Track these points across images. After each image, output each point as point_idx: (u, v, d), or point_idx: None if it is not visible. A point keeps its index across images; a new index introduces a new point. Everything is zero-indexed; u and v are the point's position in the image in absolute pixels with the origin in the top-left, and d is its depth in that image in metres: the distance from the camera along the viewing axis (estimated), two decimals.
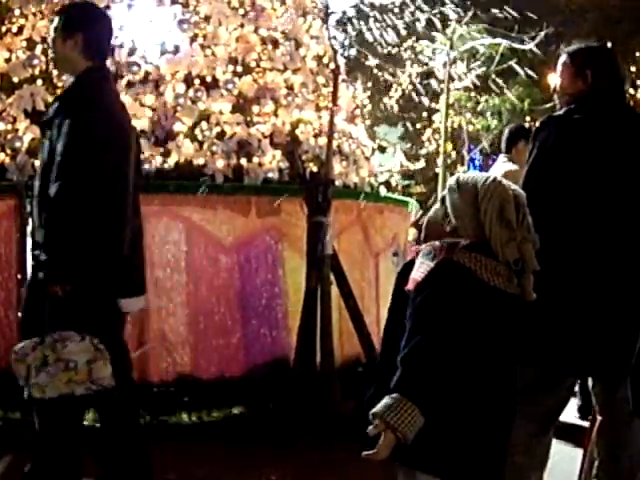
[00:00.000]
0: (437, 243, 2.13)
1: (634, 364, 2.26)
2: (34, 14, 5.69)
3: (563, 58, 3.13)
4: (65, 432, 2.92)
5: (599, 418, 3.09)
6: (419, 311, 2.04)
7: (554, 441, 3.16)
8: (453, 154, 17.44)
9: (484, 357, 2.03)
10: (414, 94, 15.93)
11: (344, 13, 14.94)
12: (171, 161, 5.26)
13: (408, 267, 2.19)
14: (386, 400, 1.94)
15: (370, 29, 14.13)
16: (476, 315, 2.01)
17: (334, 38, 14.79)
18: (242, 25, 6.03)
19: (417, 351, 1.97)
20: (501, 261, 2.08)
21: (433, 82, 15.46)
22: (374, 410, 1.94)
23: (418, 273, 2.09)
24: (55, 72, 5.20)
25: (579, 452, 3.72)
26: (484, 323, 2.03)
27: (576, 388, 5.55)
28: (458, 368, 1.97)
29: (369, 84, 16.36)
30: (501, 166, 5.27)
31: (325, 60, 6.58)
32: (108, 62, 5.32)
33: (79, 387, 2.76)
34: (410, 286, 2.10)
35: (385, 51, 14.73)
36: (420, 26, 13.10)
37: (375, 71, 15.83)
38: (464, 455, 2.00)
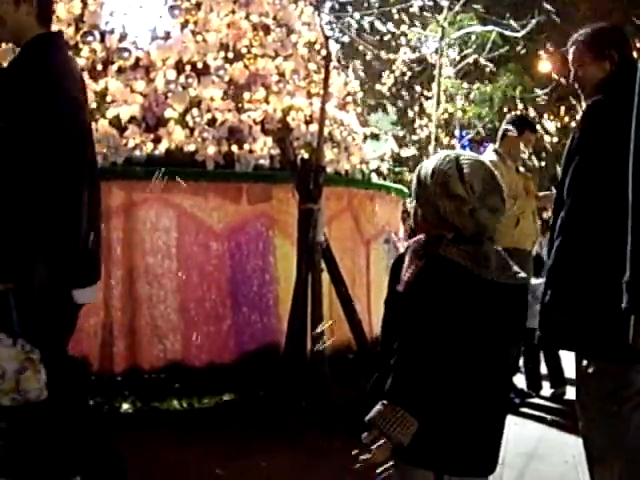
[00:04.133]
0: (422, 238, 2.08)
1: None
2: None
3: (579, 42, 2.96)
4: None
5: None
6: (410, 314, 1.98)
7: (545, 431, 3.15)
8: (445, 141, 17.41)
9: (477, 351, 1.98)
10: (406, 79, 15.89)
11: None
12: (162, 148, 5.24)
13: (400, 261, 2.13)
14: (379, 407, 1.92)
15: (364, 14, 14.04)
16: (468, 311, 1.95)
17: (329, 23, 14.74)
18: (233, 11, 6.01)
19: (408, 357, 1.94)
20: (469, 234, 2.00)
21: (425, 68, 15.42)
22: (368, 417, 1.92)
23: (407, 273, 2.04)
24: None
25: (568, 438, 3.77)
26: (477, 318, 1.97)
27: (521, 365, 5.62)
28: (452, 367, 1.94)
29: (362, 70, 16.31)
30: (489, 156, 5.28)
31: (317, 47, 6.57)
32: (99, 48, 5.42)
33: (5, 397, 2.48)
34: (400, 287, 2.05)
35: (378, 37, 14.67)
36: (416, 7, 13.00)
37: (368, 57, 15.77)
38: (457, 448, 1.98)
